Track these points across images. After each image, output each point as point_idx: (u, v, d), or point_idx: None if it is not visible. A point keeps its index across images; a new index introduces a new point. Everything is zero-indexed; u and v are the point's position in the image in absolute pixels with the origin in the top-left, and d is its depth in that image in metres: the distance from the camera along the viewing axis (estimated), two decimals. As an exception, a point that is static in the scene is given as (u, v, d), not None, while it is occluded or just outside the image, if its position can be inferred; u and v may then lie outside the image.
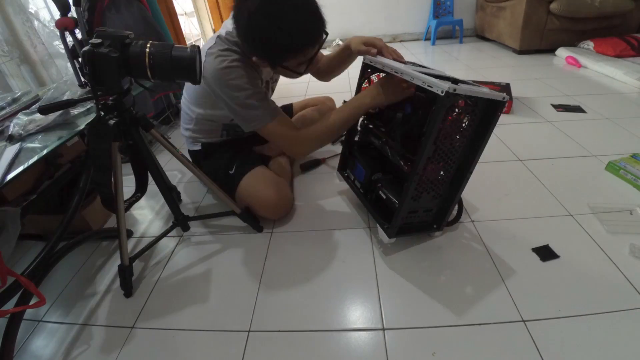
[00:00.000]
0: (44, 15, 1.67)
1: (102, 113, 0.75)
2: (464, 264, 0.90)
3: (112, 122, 0.75)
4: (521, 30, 2.59)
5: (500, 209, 1.07)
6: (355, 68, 1.05)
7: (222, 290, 0.91)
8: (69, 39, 1.44)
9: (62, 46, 1.47)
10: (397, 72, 0.81)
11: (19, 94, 1.03)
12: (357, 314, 0.81)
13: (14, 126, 0.82)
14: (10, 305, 0.75)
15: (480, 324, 0.75)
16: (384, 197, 0.96)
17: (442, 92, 0.69)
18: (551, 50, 2.64)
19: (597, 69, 2.18)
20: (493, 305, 0.79)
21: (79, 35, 1.42)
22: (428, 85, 0.72)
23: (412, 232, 0.96)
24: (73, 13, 1.40)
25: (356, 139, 1.12)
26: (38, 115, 0.86)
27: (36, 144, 0.78)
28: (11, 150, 0.75)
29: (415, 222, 0.94)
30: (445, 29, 3.49)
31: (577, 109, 1.69)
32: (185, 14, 3.11)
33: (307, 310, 0.83)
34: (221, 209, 1.15)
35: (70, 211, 0.92)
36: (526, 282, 0.83)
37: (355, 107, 0.95)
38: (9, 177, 0.67)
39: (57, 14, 1.43)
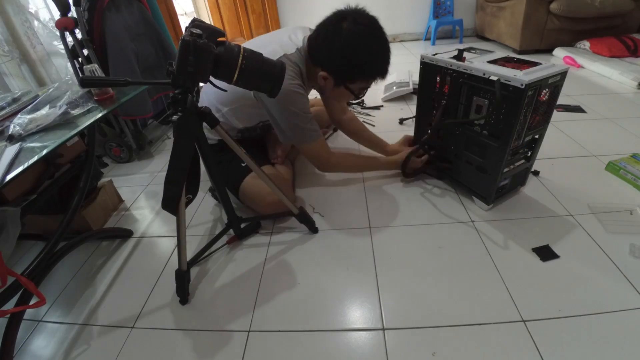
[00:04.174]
0: (44, 15, 1.67)
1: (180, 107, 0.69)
2: (464, 264, 0.90)
3: (175, 117, 0.70)
4: (521, 30, 2.59)
5: (500, 209, 1.07)
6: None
7: (222, 290, 0.91)
8: (69, 39, 1.44)
9: (61, 46, 1.47)
10: (459, 68, 0.94)
11: (18, 93, 1.03)
12: (357, 314, 0.81)
13: (14, 126, 0.82)
14: (10, 305, 0.75)
15: (480, 324, 0.75)
16: (481, 172, 1.04)
17: (522, 85, 0.79)
18: (551, 50, 2.64)
19: (594, 69, 2.19)
20: (493, 305, 0.79)
21: (79, 35, 1.42)
22: (505, 80, 0.83)
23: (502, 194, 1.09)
24: (73, 13, 1.40)
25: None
26: (38, 115, 0.86)
27: (36, 144, 0.77)
28: (11, 150, 0.75)
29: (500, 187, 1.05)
30: (445, 29, 3.49)
31: (577, 109, 1.69)
32: (186, 14, 3.12)
33: (307, 310, 0.83)
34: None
35: (70, 211, 0.92)
36: (526, 282, 0.83)
37: (379, 165, 1.26)
38: (9, 177, 0.67)
39: (57, 14, 1.43)
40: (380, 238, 1.01)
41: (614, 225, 0.97)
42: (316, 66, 0.99)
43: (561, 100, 1.80)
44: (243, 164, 1.13)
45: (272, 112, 1.00)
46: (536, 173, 1.21)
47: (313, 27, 1.01)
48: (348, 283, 0.89)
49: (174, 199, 0.75)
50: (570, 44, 2.59)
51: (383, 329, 0.77)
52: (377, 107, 1.90)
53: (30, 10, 1.56)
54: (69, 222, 0.90)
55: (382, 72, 0.97)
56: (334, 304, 0.84)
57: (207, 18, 3.34)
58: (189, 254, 0.93)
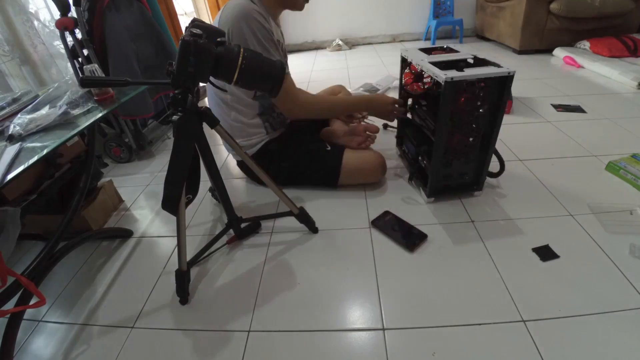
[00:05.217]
0: (44, 15, 1.67)
1: (180, 108, 0.70)
2: (464, 264, 0.90)
3: (175, 117, 0.71)
4: (521, 30, 2.59)
5: (500, 209, 1.07)
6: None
7: (222, 290, 0.91)
8: (69, 39, 1.44)
9: (62, 46, 1.47)
10: (417, 65, 1.03)
11: (19, 93, 1.03)
12: (357, 314, 0.81)
13: (14, 126, 0.82)
14: (10, 305, 0.75)
15: (480, 324, 0.75)
16: (423, 165, 1.12)
17: (443, 82, 0.85)
18: (551, 50, 2.64)
19: (594, 69, 2.19)
20: (493, 305, 0.79)
21: (78, 35, 1.42)
22: (434, 75, 0.90)
23: (452, 192, 1.13)
24: (73, 13, 1.40)
25: (408, 115, 1.25)
26: (38, 115, 0.86)
27: (36, 144, 0.78)
28: (11, 150, 0.75)
29: (454, 185, 1.10)
30: (445, 29, 3.49)
31: (577, 109, 1.69)
32: (186, 14, 3.12)
33: (307, 310, 0.83)
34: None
35: (70, 211, 0.92)
36: (526, 282, 0.83)
37: (349, 103, 1.19)
38: (9, 177, 0.67)
39: (57, 14, 1.43)
40: (380, 238, 1.01)
41: (614, 225, 0.97)
42: None
43: (561, 100, 1.81)
44: (328, 148, 1.18)
45: (244, 36, 0.97)
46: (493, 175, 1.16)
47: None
48: (348, 283, 0.89)
49: (174, 199, 0.75)
50: (570, 44, 2.59)
51: (383, 329, 0.77)
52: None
53: (30, 10, 1.56)
54: (69, 222, 0.90)
55: None
56: (334, 304, 0.84)
57: (207, 18, 3.34)
58: (189, 254, 0.93)
